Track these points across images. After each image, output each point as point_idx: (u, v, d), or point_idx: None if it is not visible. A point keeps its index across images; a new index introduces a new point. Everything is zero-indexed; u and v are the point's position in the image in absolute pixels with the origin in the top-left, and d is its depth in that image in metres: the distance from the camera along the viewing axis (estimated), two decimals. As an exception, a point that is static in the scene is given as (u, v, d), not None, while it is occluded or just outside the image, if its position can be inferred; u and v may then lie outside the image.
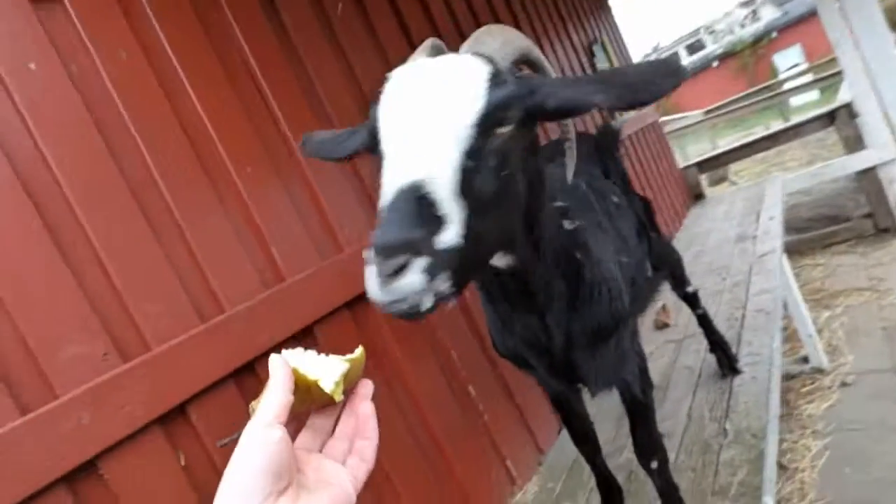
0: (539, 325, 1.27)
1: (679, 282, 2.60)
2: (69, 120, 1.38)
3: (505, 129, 0.87)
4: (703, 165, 6.02)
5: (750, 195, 5.17)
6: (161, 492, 1.29)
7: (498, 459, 2.17)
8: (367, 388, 0.70)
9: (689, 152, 8.66)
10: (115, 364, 1.28)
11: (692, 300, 2.62)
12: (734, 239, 4.20)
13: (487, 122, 0.84)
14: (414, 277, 0.71)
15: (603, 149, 2.13)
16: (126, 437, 1.24)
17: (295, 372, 0.62)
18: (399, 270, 0.70)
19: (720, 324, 2.90)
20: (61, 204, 1.33)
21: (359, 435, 0.68)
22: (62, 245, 1.30)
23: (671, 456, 2.02)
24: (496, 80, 0.87)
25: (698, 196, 5.92)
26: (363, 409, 0.69)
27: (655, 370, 2.63)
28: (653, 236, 2.21)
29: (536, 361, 1.39)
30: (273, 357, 0.63)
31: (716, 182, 7.93)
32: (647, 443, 1.59)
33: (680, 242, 4.66)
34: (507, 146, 0.88)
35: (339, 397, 0.64)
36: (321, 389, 0.63)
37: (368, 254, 0.72)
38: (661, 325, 3.14)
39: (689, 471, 1.92)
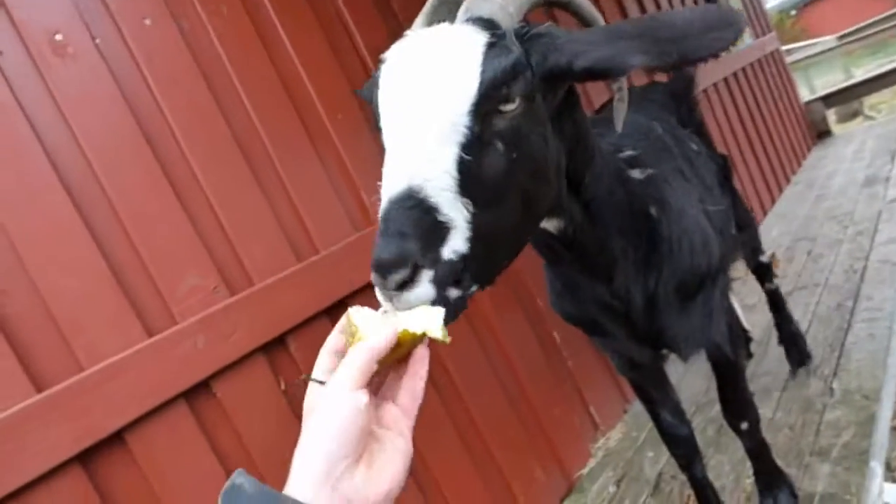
0: (606, 290, 1.14)
1: (753, 249, 2.28)
2: (180, 72, 1.49)
3: (511, 106, 0.76)
4: (830, 99, 5.40)
5: (886, 132, 4.60)
6: (266, 413, 1.43)
7: (582, 405, 2.18)
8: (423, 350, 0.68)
9: (817, 85, 7.75)
10: (224, 296, 1.41)
11: (764, 272, 2.28)
12: (862, 182, 3.78)
13: (486, 105, 0.73)
14: (422, 290, 0.65)
15: (678, 97, 1.92)
16: (234, 362, 1.37)
17: (404, 334, 0.62)
18: (404, 285, 0.65)
19: (836, 276, 2.67)
20: (176, 151, 1.45)
21: (409, 374, 0.67)
22: (178, 189, 1.43)
23: (767, 413, 1.94)
24: (494, 51, 0.75)
25: (823, 134, 5.34)
26: (419, 352, 0.66)
27: (758, 323, 2.49)
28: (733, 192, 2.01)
29: (613, 327, 1.26)
30: (386, 322, 0.62)
31: (847, 118, 7.08)
32: (737, 404, 1.49)
33: (798, 186, 4.28)
34: (517, 123, 0.77)
35: (448, 339, 0.64)
36: (410, 343, 0.63)
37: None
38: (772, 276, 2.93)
39: (787, 429, 1.84)
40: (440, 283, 0.66)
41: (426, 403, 1.91)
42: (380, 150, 0.75)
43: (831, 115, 5.54)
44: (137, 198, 1.35)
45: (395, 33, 2.07)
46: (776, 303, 2.21)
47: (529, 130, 0.79)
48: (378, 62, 0.83)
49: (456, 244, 0.69)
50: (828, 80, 8.27)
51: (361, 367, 0.58)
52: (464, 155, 0.71)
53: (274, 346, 1.47)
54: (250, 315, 1.42)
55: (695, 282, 1.19)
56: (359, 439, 0.56)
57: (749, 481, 1.64)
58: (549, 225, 0.99)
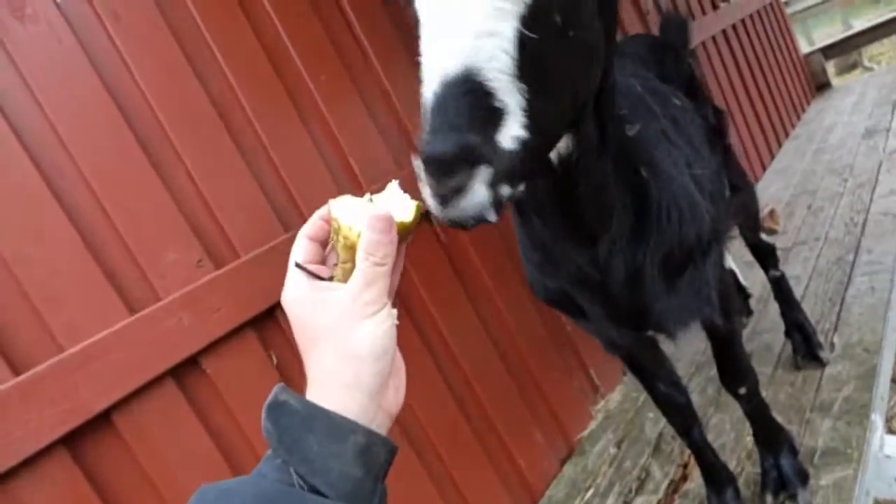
0: (588, 255, 1.03)
1: (750, 224, 2.04)
2: (150, 32, 1.40)
3: None
4: (830, 50, 5.28)
5: (886, 82, 4.52)
6: (259, 389, 1.38)
7: (581, 369, 2.16)
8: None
9: (816, 36, 7.58)
10: (209, 270, 1.36)
11: (766, 254, 2.06)
12: (862, 133, 3.72)
13: None
14: (481, 194, 0.58)
15: (660, 49, 1.78)
16: (223, 337, 1.33)
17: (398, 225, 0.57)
18: (461, 189, 0.58)
19: (836, 230, 2.64)
20: (149, 117, 1.37)
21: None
22: (153, 158, 1.35)
23: (768, 370, 1.92)
24: None
25: (822, 86, 5.24)
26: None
27: (757, 280, 2.45)
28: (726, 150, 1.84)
29: (590, 305, 1.16)
30: (386, 224, 0.56)
31: (846, 69, 6.96)
32: (733, 370, 1.44)
33: (797, 140, 4.21)
34: None
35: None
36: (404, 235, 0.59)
37: (419, 166, 0.59)
38: (769, 231, 2.89)
39: (788, 385, 1.82)
40: (496, 181, 0.59)
41: (424, 370, 1.88)
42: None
43: (830, 66, 5.43)
44: (110, 168, 1.28)
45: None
46: (782, 291, 2.03)
47: (584, 4, 0.72)
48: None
49: (516, 131, 0.61)
50: (827, 32, 8.08)
51: (388, 281, 0.56)
52: (523, 30, 0.62)
53: (263, 320, 1.43)
54: (237, 288, 1.37)
55: (682, 256, 1.10)
56: (392, 352, 0.55)
57: (750, 439, 1.62)
58: (559, 145, 0.87)
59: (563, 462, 1.95)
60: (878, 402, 1.67)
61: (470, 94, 0.59)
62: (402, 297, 1.70)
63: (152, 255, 1.31)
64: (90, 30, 1.33)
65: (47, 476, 1.10)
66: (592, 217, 0.98)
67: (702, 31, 3.56)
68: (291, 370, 1.44)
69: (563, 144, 0.86)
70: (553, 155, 0.87)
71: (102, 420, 1.18)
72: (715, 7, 3.96)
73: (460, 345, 1.79)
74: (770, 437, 1.48)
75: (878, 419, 1.61)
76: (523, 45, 0.62)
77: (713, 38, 3.76)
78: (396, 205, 0.58)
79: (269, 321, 1.44)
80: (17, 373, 1.10)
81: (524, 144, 0.62)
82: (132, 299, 1.27)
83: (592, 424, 2.06)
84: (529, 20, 0.63)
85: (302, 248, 0.60)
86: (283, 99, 1.60)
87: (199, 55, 1.48)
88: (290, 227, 1.52)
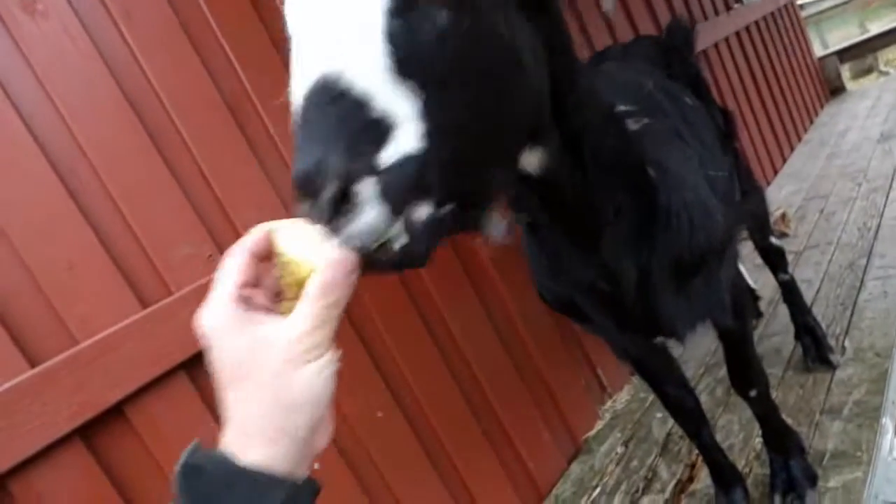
0: (593, 263, 0.98)
1: (759, 227, 2.00)
2: (163, 31, 1.42)
3: None
4: (845, 54, 5.24)
5: (902, 86, 4.46)
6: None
7: (589, 368, 2.16)
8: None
9: (831, 39, 7.51)
10: (220, 265, 1.38)
11: (776, 258, 2.03)
12: (877, 138, 3.68)
13: None
14: (372, 212, 0.48)
15: (668, 49, 1.77)
16: (233, 332, 1.35)
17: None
18: (340, 207, 0.47)
19: (849, 234, 2.61)
20: (161, 114, 1.39)
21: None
22: (165, 155, 1.38)
23: (778, 372, 1.91)
24: None
25: (837, 90, 5.19)
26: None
27: (767, 283, 2.44)
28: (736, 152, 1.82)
29: (597, 313, 1.12)
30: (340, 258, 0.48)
31: (861, 73, 6.88)
32: (744, 372, 1.42)
33: (810, 144, 4.17)
34: None
35: None
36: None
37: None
38: (780, 235, 2.87)
39: (797, 388, 1.81)
40: (393, 196, 0.49)
41: (432, 366, 1.88)
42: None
43: (845, 70, 5.38)
44: (122, 164, 1.30)
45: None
46: (792, 294, 2.00)
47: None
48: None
49: (404, 141, 0.51)
50: (841, 35, 8.00)
51: (334, 325, 0.48)
52: (395, 20, 0.53)
53: (273, 315, 1.44)
54: (247, 284, 1.39)
55: (694, 260, 1.06)
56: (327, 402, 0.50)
57: (758, 440, 1.62)
58: (530, 161, 0.82)
59: (569, 461, 1.95)
60: (890, 405, 1.66)
61: (331, 105, 0.50)
62: (411, 294, 1.71)
63: (164, 250, 1.33)
64: (102, 27, 1.35)
65: (63, 465, 1.12)
66: (587, 225, 0.94)
67: (715, 32, 3.55)
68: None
69: (535, 158, 0.82)
70: (529, 168, 0.82)
71: (115, 412, 1.20)
72: (728, 8, 3.94)
73: (468, 342, 1.80)
74: (779, 438, 1.47)
75: (888, 423, 1.60)
76: (400, 35, 0.53)
77: (726, 39, 3.74)
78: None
79: (279, 317, 1.46)
80: (33, 365, 1.13)
81: (420, 158, 0.52)
82: (144, 293, 1.29)
83: (600, 424, 2.06)
84: (403, 7, 0.54)
85: (241, 266, 0.51)
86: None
87: (211, 53, 1.49)
88: (301, 224, 1.54)
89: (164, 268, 1.32)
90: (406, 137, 0.51)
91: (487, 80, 0.62)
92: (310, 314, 0.47)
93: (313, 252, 0.48)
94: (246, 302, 0.49)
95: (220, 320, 0.49)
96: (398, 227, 0.50)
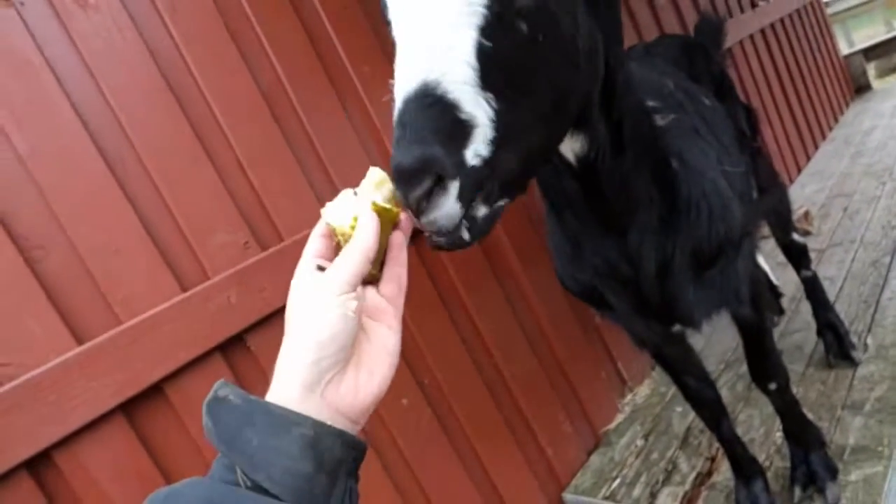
0: (618, 248, 1.04)
1: (782, 223, 2.01)
2: (205, 25, 1.47)
3: None
4: (870, 52, 5.16)
5: (930, 85, 4.39)
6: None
7: (610, 362, 2.18)
8: (405, 220, 0.63)
9: (857, 37, 7.39)
10: (255, 252, 1.43)
11: (799, 254, 2.04)
12: (903, 137, 3.63)
13: None
14: (448, 207, 0.58)
15: (695, 48, 1.78)
16: (267, 316, 1.39)
17: (378, 210, 0.58)
18: (430, 198, 0.57)
19: (872, 232, 2.60)
20: (203, 106, 1.44)
21: (391, 261, 0.62)
22: (206, 145, 1.42)
23: (799, 367, 1.92)
24: None
25: (862, 89, 5.12)
26: (396, 237, 0.62)
27: (790, 280, 2.44)
28: (754, 153, 1.81)
29: (617, 298, 1.16)
30: (366, 217, 0.57)
31: (887, 72, 6.77)
32: (764, 366, 1.42)
33: (834, 143, 4.13)
34: (545, 0, 0.67)
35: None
36: (391, 224, 0.60)
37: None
38: (804, 233, 2.86)
39: (819, 383, 1.82)
40: (466, 196, 0.59)
41: (456, 357, 1.92)
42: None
43: (871, 68, 5.30)
44: (166, 153, 1.35)
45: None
46: (814, 291, 2.00)
47: (558, 7, 0.70)
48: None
49: (479, 147, 0.61)
50: (867, 33, 7.87)
51: (352, 269, 0.54)
52: (483, 40, 0.62)
53: (305, 301, 1.49)
54: (281, 270, 1.43)
55: (713, 249, 1.10)
56: (347, 346, 0.53)
57: (779, 434, 1.63)
58: (570, 147, 0.89)
59: (589, 452, 1.98)
60: (913, 402, 1.66)
61: (430, 109, 0.59)
62: (437, 287, 1.74)
63: (203, 236, 1.38)
64: (149, 20, 1.40)
65: (106, 440, 1.18)
66: (620, 209, 1.00)
67: (739, 29, 3.53)
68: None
69: (578, 144, 0.89)
70: (570, 155, 0.90)
71: (156, 390, 1.25)
72: (753, 6, 3.91)
73: (492, 334, 1.83)
74: (800, 431, 1.49)
75: (911, 419, 1.60)
76: (486, 55, 0.62)
77: (751, 36, 3.71)
78: (376, 192, 0.60)
79: (311, 303, 1.50)
80: (80, 342, 1.18)
81: (488, 161, 0.61)
82: (184, 277, 1.34)
83: (620, 417, 2.08)
84: (490, 29, 0.63)
85: (315, 245, 0.60)
86: (328, 90, 1.66)
87: (250, 47, 1.54)
88: (331, 214, 1.58)
89: (202, 253, 1.36)
90: (479, 143, 0.61)
91: (553, 83, 0.71)
92: (335, 265, 0.55)
93: (349, 215, 0.58)
94: (319, 268, 0.57)
95: (295, 281, 0.58)
96: (467, 219, 0.61)
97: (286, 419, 0.49)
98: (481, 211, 0.63)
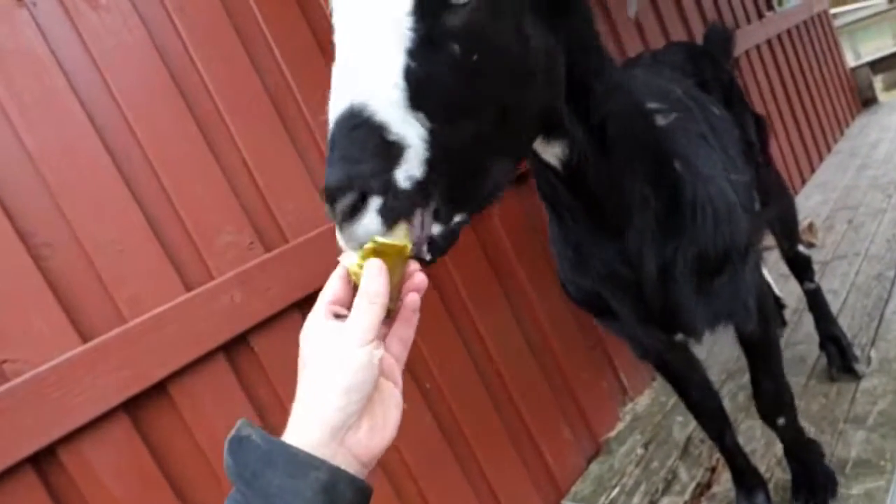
0: (616, 249, 1.03)
1: (788, 234, 1.98)
2: (213, 25, 1.48)
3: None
4: (878, 65, 5.15)
5: (937, 99, 4.38)
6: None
7: (611, 371, 2.18)
8: (420, 279, 0.63)
9: (864, 50, 7.39)
10: (259, 252, 1.43)
11: (803, 266, 2.02)
12: (909, 150, 3.63)
13: (430, 2, 0.63)
14: (368, 220, 0.58)
15: (703, 56, 1.77)
16: (270, 317, 1.40)
17: (381, 248, 0.58)
18: (352, 214, 0.58)
19: (877, 246, 2.59)
20: (210, 106, 1.45)
21: (401, 321, 0.64)
22: (212, 145, 1.43)
23: (801, 380, 1.91)
24: None
25: (869, 101, 5.12)
26: (411, 299, 0.63)
27: (793, 293, 2.43)
28: (761, 163, 1.78)
29: (619, 304, 1.13)
30: (369, 263, 0.58)
31: (894, 85, 6.77)
32: (772, 393, 1.35)
33: (839, 155, 4.13)
34: (475, 19, 0.65)
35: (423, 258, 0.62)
36: (402, 259, 0.60)
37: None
38: (808, 245, 2.86)
39: (821, 396, 1.81)
40: (394, 214, 0.59)
41: (458, 363, 1.92)
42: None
43: (878, 81, 5.29)
44: (173, 152, 1.36)
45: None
46: (817, 303, 1.98)
47: (495, 27, 0.68)
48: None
49: (411, 166, 0.61)
50: (875, 46, 7.87)
51: (370, 318, 0.56)
52: (411, 62, 0.62)
53: (308, 303, 1.49)
54: (285, 271, 1.44)
55: (718, 256, 1.08)
56: (370, 394, 0.55)
57: (780, 446, 1.62)
58: (551, 153, 0.89)
59: (589, 460, 1.97)
60: (915, 417, 1.65)
61: (357, 130, 0.60)
62: (440, 294, 1.74)
63: (208, 236, 1.38)
64: (158, 21, 1.41)
65: (109, 437, 1.18)
66: (612, 210, 0.99)
67: (746, 40, 3.53)
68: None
69: (559, 150, 0.89)
70: (554, 161, 0.90)
71: (159, 389, 1.26)
72: (760, 16, 3.92)
73: (495, 341, 1.83)
74: (801, 451, 1.46)
75: (914, 434, 1.59)
76: (416, 76, 0.62)
77: (757, 47, 3.72)
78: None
79: (313, 305, 1.51)
80: (85, 340, 1.19)
81: (421, 183, 0.61)
82: (189, 277, 1.35)
83: (620, 426, 2.08)
84: (419, 51, 0.63)
85: (332, 288, 0.61)
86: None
87: (257, 48, 1.55)
88: (336, 216, 1.59)
89: (207, 254, 1.37)
90: (412, 164, 0.61)
91: (495, 100, 0.70)
92: (353, 308, 0.57)
93: (356, 257, 0.59)
94: (335, 315, 0.59)
95: (310, 327, 0.59)
96: (417, 235, 0.61)
97: (305, 462, 0.51)
98: (436, 230, 0.64)
